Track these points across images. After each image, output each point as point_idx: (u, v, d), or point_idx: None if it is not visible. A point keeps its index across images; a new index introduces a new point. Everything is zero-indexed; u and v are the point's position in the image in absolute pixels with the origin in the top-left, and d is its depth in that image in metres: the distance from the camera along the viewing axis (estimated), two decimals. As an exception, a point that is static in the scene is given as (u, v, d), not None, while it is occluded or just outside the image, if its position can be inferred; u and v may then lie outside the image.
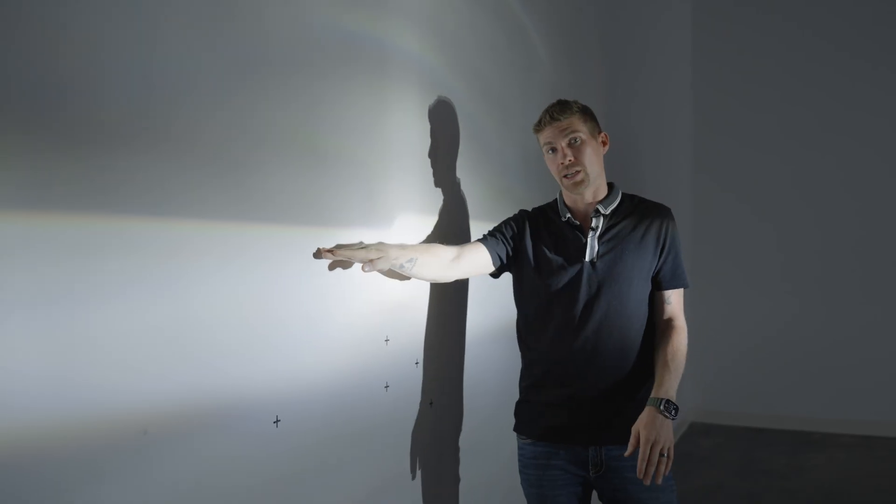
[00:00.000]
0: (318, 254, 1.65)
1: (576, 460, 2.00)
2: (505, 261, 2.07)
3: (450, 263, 1.94)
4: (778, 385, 5.88)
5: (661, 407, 1.84)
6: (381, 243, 1.76)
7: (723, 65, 6.13)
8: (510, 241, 2.08)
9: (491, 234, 2.09)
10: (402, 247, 1.82)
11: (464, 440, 2.32)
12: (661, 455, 1.79)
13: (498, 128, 2.62)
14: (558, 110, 1.98)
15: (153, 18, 1.27)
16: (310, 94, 1.66)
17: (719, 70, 6.15)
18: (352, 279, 1.78)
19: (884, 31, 5.67)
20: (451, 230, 2.23)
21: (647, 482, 1.77)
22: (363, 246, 1.72)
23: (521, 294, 2.10)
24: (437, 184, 2.14)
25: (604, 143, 2.06)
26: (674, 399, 1.88)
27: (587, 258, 2.00)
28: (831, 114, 5.80)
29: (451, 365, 2.27)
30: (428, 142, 2.11)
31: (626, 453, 1.82)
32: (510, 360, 2.60)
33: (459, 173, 2.32)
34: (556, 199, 2.13)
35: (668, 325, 2.02)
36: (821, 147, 5.83)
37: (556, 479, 2.01)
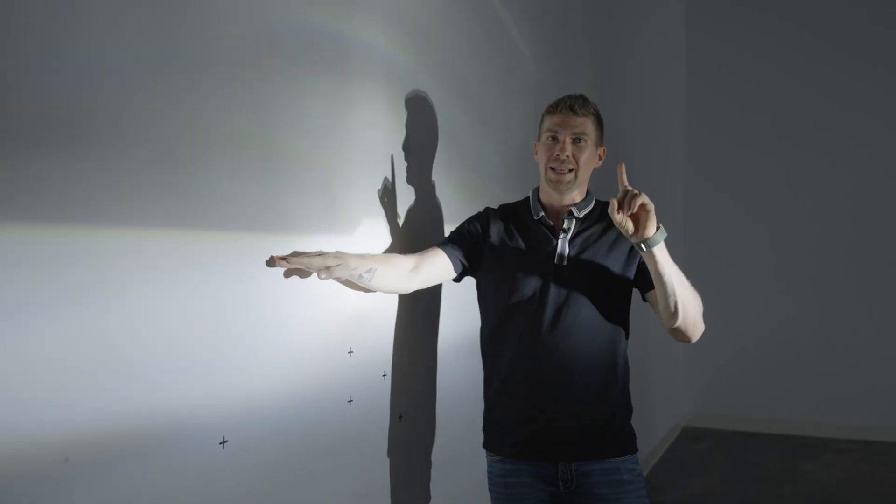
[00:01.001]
0: (272, 262, 1.53)
1: (544, 477, 1.90)
2: (467, 264, 1.95)
3: (408, 274, 1.83)
4: (772, 389, 5.81)
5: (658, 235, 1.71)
6: (339, 252, 1.63)
7: (717, 64, 6.05)
8: (472, 243, 1.96)
9: (451, 237, 1.98)
10: (363, 256, 1.71)
11: (436, 455, 2.22)
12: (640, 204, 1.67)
13: (476, 128, 2.52)
14: (580, 104, 1.91)
15: (81, 5, 1.16)
16: (263, 92, 1.55)
17: (714, 69, 6.07)
18: (311, 289, 1.68)
19: (881, 31, 5.60)
20: (423, 236, 2.13)
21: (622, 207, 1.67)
22: (321, 253, 1.60)
23: (485, 298, 1.99)
24: (409, 184, 2.04)
25: (600, 158, 1.98)
26: (656, 250, 1.73)
27: (556, 260, 1.90)
28: (827, 114, 5.72)
29: (422, 377, 2.17)
30: (396, 142, 2.01)
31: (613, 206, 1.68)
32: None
33: (435, 175, 2.22)
34: (528, 196, 2.02)
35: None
36: (816, 147, 5.76)
37: (525, 496, 1.91)
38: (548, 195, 1.96)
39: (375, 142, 1.92)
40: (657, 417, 5.23)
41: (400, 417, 2.03)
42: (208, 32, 1.40)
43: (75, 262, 1.15)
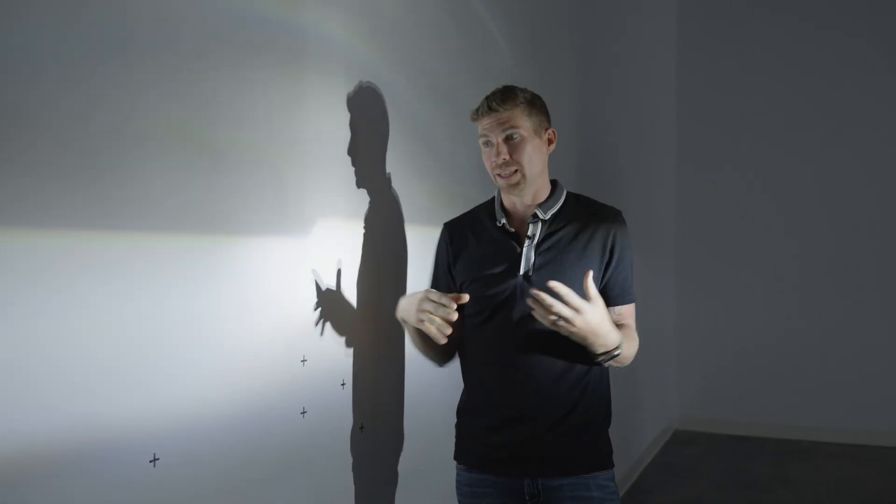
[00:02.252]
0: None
1: (511, 491, 1.80)
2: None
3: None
4: (763, 392, 5.75)
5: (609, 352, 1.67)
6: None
7: (711, 55, 5.94)
8: (450, 275, 1.90)
9: (433, 283, 1.94)
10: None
11: (402, 467, 2.13)
12: (563, 317, 1.57)
13: (449, 127, 2.42)
14: (499, 99, 1.75)
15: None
16: (207, 86, 1.46)
17: (707, 60, 5.96)
18: (259, 294, 1.59)
19: (881, 20, 5.50)
20: (386, 235, 2.04)
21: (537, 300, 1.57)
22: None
23: (460, 310, 1.89)
24: (361, 185, 1.93)
25: (550, 142, 1.83)
26: (606, 356, 1.67)
27: (521, 271, 1.78)
28: (826, 111, 5.62)
29: (387, 385, 2.08)
30: (356, 139, 1.91)
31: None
32: (459, 379, 2.40)
33: (404, 176, 2.13)
34: (493, 197, 1.91)
35: None
36: (811, 148, 5.69)
37: None
38: (509, 198, 1.85)
39: (333, 137, 1.82)
40: (647, 421, 5.14)
41: (361, 428, 1.93)
42: (139, 19, 1.31)
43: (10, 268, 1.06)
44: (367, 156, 1.96)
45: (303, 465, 1.73)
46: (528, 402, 1.77)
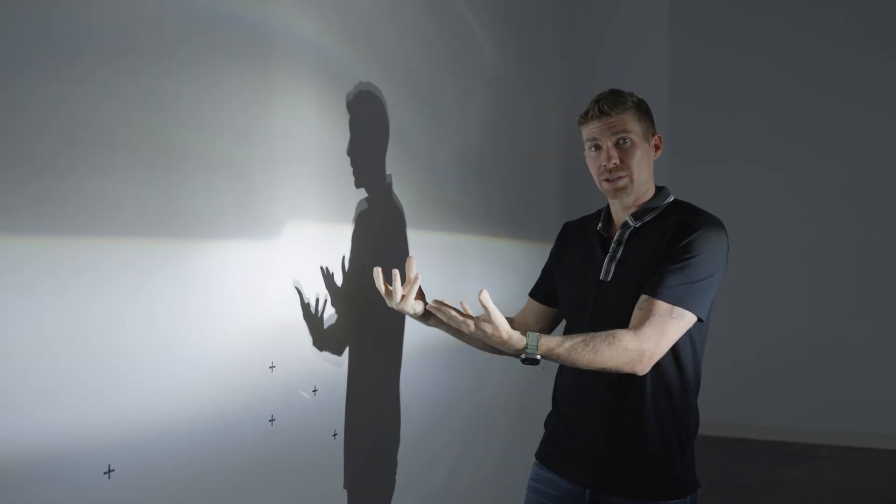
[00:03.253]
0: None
1: (572, 498, 1.76)
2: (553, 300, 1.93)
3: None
4: (757, 395, 5.72)
5: (528, 345, 1.53)
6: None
7: (704, 47, 5.86)
8: (550, 278, 1.94)
9: (540, 278, 1.98)
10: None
11: (378, 475, 2.08)
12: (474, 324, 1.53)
13: (429, 128, 2.38)
14: (610, 103, 1.72)
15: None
16: (169, 87, 1.42)
17: (700, 53, 5.88)
18: (225, 298, 1.54)
19: (879, 18, 5.46)
20: (368, 238, 1.99)
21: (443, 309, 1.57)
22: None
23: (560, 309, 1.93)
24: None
25: (657, 147, 1.80)
26: (539, 355, 1.54)
27: (600, 276, 1.75)
28: (827, 105, 5.55)
29: (363, 391, 2.03)
30: (329, 141, 1.87)
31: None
32: (443, 382, 2.36)
33: (382, 176, 2.09)
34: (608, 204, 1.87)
35: (624, 327, 1.63)
36: (809, 146, 5.65)
37: None
38: (612, 205, 1.82)
39: (303, 141, 1.78)
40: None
41: (335, 435, 1.89)
42: (97, 19, 1.27)
43: None
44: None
45: (272, 476, 1.68)
46: (597, 414, 1.73)
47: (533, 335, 1.54)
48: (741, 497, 4.44)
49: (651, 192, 1.80)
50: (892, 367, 5.39)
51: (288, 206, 1.73)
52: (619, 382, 1.68)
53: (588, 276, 1.78)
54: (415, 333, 2.22)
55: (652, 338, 1.58)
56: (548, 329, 1.95)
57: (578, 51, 3.93)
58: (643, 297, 1.63)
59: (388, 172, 2.06)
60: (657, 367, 1.65)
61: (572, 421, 1.79)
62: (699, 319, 1.67)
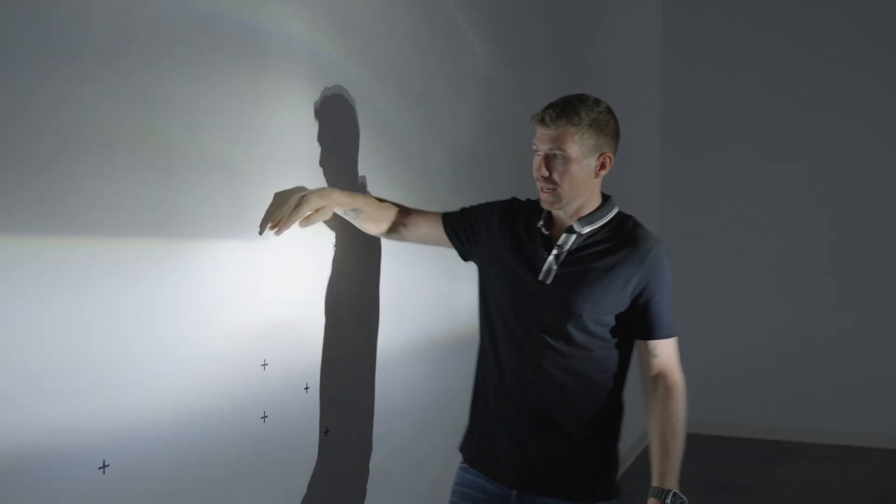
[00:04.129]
0: (262, 230, 1.65)
1: (499, 501, 1.77)
2: (464, 245, 1.91)
3: (394, 227, 1.91)
4: (748, 393, 5.76)
5: (668, 501, 1.67)
6: (324, 190, 1.75)
7: (697, 44, 5.90)
8: (474, 230, 1.89)
9: (459, 210, 1.94)
10: (352, 195, 1.82)
11: (370, 473, 2.10)
12: None
13: (420, 127, 2.40)
14: (554, 115, 1.68)
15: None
16: (166, 88, 1.43)
17: (693, 51, 5.92)
18: (218, 297, 1.56)
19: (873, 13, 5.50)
20: (355, 236, 2.02)
21: None
22: (303, 197, 1.68)
23: (481, 293, 1.88)
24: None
25: (602, 166, 1.74)
26: (677, 488, 1.70)
27: (539, 277, 1.75)
28: (823, 104, 5.59)
29: (353, 388, 2.05)
30: (322, 142, 1.89)
31: None
32: (431, 380, 2.38)
33: (375, 177, 2.11)
34: None
35: (658, 382, 1.76)
36: (801, 148, 5.69)
37: None
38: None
39: (295, 142, 1.80)
40: (628, 421, 5.12)
41: (326, 432, 1.91)
42: (93, 20, 1.28)
43: None
44: (333, 158, 1.94)
45: (264, 472, 1.70)
46: (525, 412, 1.75)
47: (660, 493, 1.71)
48: (731, 495, 4.48)
49: (594, 204, 1.78)
50: (883, 366, 5.43)
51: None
52: (547, 384, 1.73)
53: (526, 272, 1.76)
54: (407, 333, 2.24)
55: (679, 370, 1.81)
56: (413, 241, 1.99)
57: (569, 50, 3.96)
58: (655, 342, 1.77)
59: (360, 174, 2.07)
60: (586, 369, 1.74)
61: (499, 422, 1.78)
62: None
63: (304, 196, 1.69)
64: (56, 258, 1.22)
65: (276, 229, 1.65)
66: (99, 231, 1.30)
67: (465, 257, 1.95)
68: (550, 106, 1.71)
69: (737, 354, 5.79)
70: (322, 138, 1.88)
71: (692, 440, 5.94)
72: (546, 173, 1.70)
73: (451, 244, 1.93)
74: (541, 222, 1.79)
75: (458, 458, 1.92)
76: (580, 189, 1.72)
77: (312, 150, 1.85)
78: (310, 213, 1.71)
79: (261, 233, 1.64)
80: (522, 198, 1.94)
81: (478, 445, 1.84)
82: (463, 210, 1.95)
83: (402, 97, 2.28)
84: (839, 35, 5.53)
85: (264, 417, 1.69)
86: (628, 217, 1.82)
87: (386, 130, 2.17)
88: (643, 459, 5.09)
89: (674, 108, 6.00)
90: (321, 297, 1.89)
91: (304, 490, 1.84)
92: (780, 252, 5.72)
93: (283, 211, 1.67)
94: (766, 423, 5.67)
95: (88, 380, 1.27)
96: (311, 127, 1.85)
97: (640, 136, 5.67)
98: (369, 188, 2.09)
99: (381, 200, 1.92)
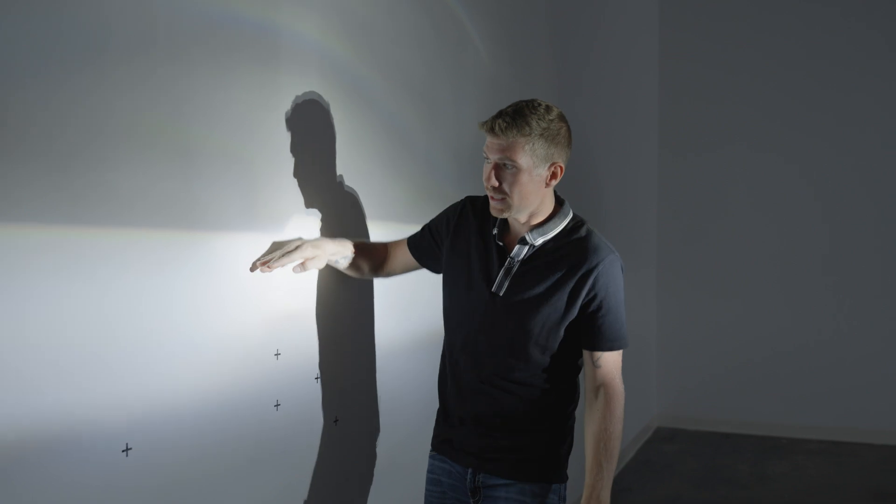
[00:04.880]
0: (254, 268, 1.67)
1: (461, 481, 1.87)
2: (430, 262, 1.98)
3: (381, 266, 2.00)
4: (744, 389, 5.80)
5: None
6: (318, 241, 1.80)
7: (695, 40, 5.90)
8: (435, 242, 1.95)
9: (422, 230, 1.99)
10: (341, 242, 1.87)
11: (379, 460, 2.16)
12: None
13: (424, 124, 2.45)
14: (504, 126, 1.65)
15: None
16: (182, 86, 1.49)
17: (691, 46, 5.92)
18: (235, 289, 1.62)
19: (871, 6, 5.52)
20: (352, 231, 2.07)
21: None
22: (299, 244, 1.73)
23: (443, 296, 1.93)
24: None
25: (553, 176, 1.73)
26: (608, 500, 1.75)
27: (493, 288, 1.79)
28: (816, 102, 5.62)
29: (361, 378, 2.11)
30: (331, 138, 1.95)
31: None
32: (437, 371, 2.44)
33: (380, 175, 2.17)
34: None
35: (599, 392, 1.79)
36: (787, 149, 5.73)
37: (443, 496, 1.91)
38: None
39: (308, 136, 1.86)
40: (627, 419, 5.17)
41: (336, 421, 1.96)
42: (116, 21, 1.34)
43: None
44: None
45: (277, 457, 1.76)
46: (477, 396, 1.83)
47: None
48: (727, 489, 4.53)
49: (547, 212, 1.78)
50: (877, 364, 5.46)
51: (293, 200, 1.81)
52: (497, 389, 1.80)
53: (479, 282, 1.80)
54: (413, 324, 2.30)
55: (620, 382, 1.83)
56: (396, 274, 2.06)
57: (569, 48, 4.02)
58: (595, 353, 1.79)
59: (366, 170, 2.11)
60: (535, 375, 1.79)
61: (456, 409, 1.86)
62: None
63: (299, 246, 1.73)
64: (78, 248, 1.28)
65: (265, 265, 1.66)
66: (120, 222, 1.36)
67: (437, 272, 1.98)
68: (500, 114, 1.68)
69: (734, 352, 5.82)
70: (330, 134, 1.94)
71: (693, 437, 5.99)
72: (496, 183, 1.69)
73: (418, 265, 2.00)
74: (495, 230, 1.81)
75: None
76: (530, 199, 1.71)
77: (322, 145, 1.91)
78: (301, 261, 1.74)
79: (252, 270, 1.66)
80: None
81: (441, 434, 1.92)
82: (423, 228, 1.99)
83: (407, 95, 2.34)
84: (837, 32, 5.55)
85: (277, 405, 1.75)
86: (582, 224, 1.82)
87: (392, 128, 2.23)
88: (640, 455, 5.16)
89: (671, 105, 6.03)
90: (331, 290, 1.95)
91: (314, 474, 1.90)
92: (776, 249, 5.76)
93: (276, 254, 1.69)
94: (762, 419, 5.72)
95: (111, 367, 1.33)
96: (321, 123, 1.91)
97: (638, 133, 5.72)
98: (376, 184, 2.14)
99: (364, 244, 2.00)
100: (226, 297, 1.61)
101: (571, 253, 1.76)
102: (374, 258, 1.97)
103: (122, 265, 1.36)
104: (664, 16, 6.04)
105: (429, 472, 1.95)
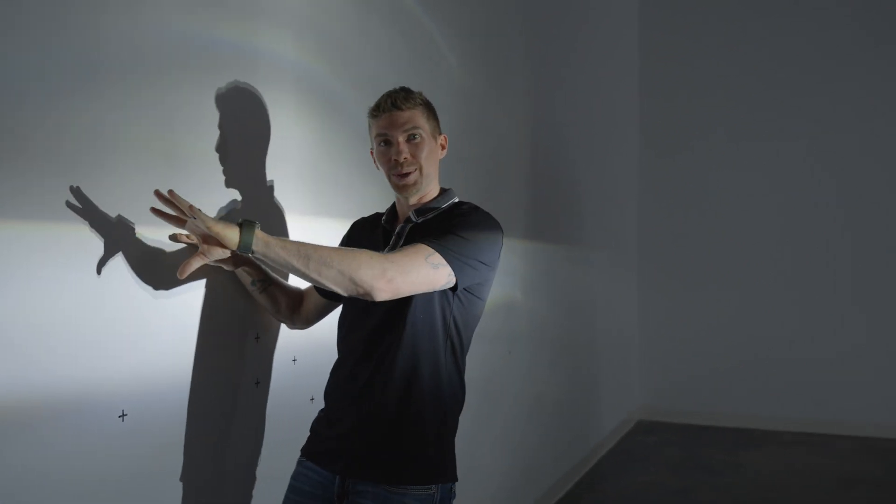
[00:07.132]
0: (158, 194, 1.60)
1: (323, 489, 1.78)
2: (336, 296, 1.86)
3: (297, 306, 1.96)
4: (723, 382, 5.95)
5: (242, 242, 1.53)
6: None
7: (675, 39, 6.07)
8: None
9: None
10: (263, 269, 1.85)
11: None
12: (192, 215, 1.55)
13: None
14: (402, 98, 1.78)
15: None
16: (170, 102, 1.70)
17: (671, 44, 6.10)
18: (217, 281, 1.84)
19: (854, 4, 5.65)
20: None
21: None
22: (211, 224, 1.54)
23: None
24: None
25: (442, 147, 1.87)
26: (258, 248, 1.54)
27: None
28: (799, 98, 5.76)
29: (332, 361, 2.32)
30: (306, 147, 2.17)
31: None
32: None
33: (357, 185, 2.37)
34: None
35: (388, 262, 1.61)
36: (767, 148, 5.87)
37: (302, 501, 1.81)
38: (398, 202, 1.89)
39: (285, 145, 2.07)
40: (606, 411, 5.37)
41: (311, 399, 2.18)
42: (109, 44, 1.56)
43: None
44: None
45: (257, 429, 1.98)
46: (351, 394, 1.79)
47: (248, 227, 1.54)
48: (701, 475, 4.73)
49: (435, 192, 1.86)
50: (849, 358, 5.61)
51: (271, 202, 2.02)
52: (373, 365, 1.75)
53: None
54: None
55: (400, 264, 1.60)
56: (306, 324, 2.01)
57: (546, 52, 4.20)
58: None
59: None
60: (412, 346, 1.72)
61: (332, 411, 1.84)
62: (454, 288, 1.72)
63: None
64: (76, 240, 1.49)
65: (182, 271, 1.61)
66: (119, 219, 1.57)
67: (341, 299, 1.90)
68: (391, 94, 1.79)
69: (714, 348, 5.97)
70: (307, 142, 2.16)
71: (672, 429, 6.17)
72: (409, 155, 1.77)
73: (333, 300, 1.95)
74: (384, 219, 1.89)
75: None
76: (434, 167, 1.82)
77: (298, 151, 2.13)
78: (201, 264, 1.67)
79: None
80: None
81: (313, 437, 1.88)
82: None
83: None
84: (819, 29, 5.70)
85: (257, 383, 1.97)
86: (467, 202, 1.86)
87: (366, 138, 2.43)
88: (620, 446, 5.34)
89: (651, 104, 6.17)
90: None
91: (291, 446, 2.11)
92: (754, 245, 5.89)
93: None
94: (738, 412, 5.88)
95: (110, 343, 1.54)
96: (298, 131, 2.12)
97: (619, 132, 5.84)
98: (352, 193, 2.36)
99: (283, 282, 1.96)
100: (212, 289, 1.82)
101: (441, 219, 1.78)
102: (290, 295, 1.94)
103: (117, 259, 1.57)
104: (643, 16, 6.17)
105: (291, 478, 1.88)
